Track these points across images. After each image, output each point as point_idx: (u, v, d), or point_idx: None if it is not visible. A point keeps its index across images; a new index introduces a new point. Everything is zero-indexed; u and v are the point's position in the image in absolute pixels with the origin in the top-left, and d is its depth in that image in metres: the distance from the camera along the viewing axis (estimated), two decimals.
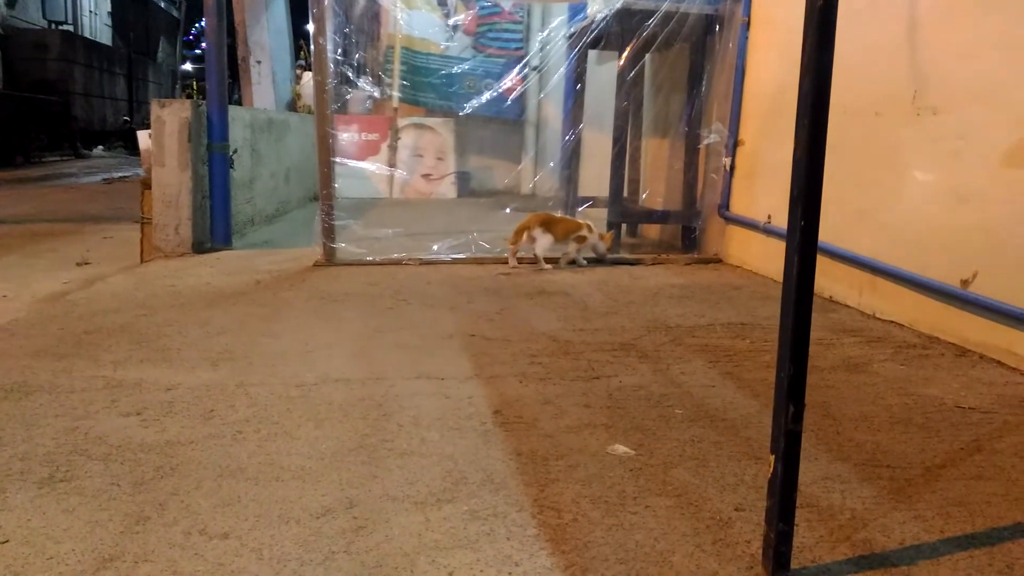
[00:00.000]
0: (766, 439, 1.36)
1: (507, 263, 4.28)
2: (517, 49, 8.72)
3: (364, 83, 7.04)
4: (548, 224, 4.22)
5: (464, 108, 7.00)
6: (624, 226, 5.17)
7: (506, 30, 8.82)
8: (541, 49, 6.61)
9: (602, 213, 4.77)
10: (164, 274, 3.92)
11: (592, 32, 4.64)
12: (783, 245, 1.25)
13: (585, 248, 4.32)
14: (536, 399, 2.15)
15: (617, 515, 1.51)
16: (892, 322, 3.07)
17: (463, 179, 8.49)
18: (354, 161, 7.08)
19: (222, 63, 4.77)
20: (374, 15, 8.51)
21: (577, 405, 2.10)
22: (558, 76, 5.37)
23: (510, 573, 1.31)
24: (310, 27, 4.34)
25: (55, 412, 2.00)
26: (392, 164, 8.23)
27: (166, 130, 4.40)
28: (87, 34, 20.57)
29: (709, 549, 1.39)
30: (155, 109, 4.45)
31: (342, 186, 4.70)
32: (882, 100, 3.16)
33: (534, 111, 8.73)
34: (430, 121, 8.43)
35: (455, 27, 8.67)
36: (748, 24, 4.33)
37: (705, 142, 4.61)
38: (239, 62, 9.15)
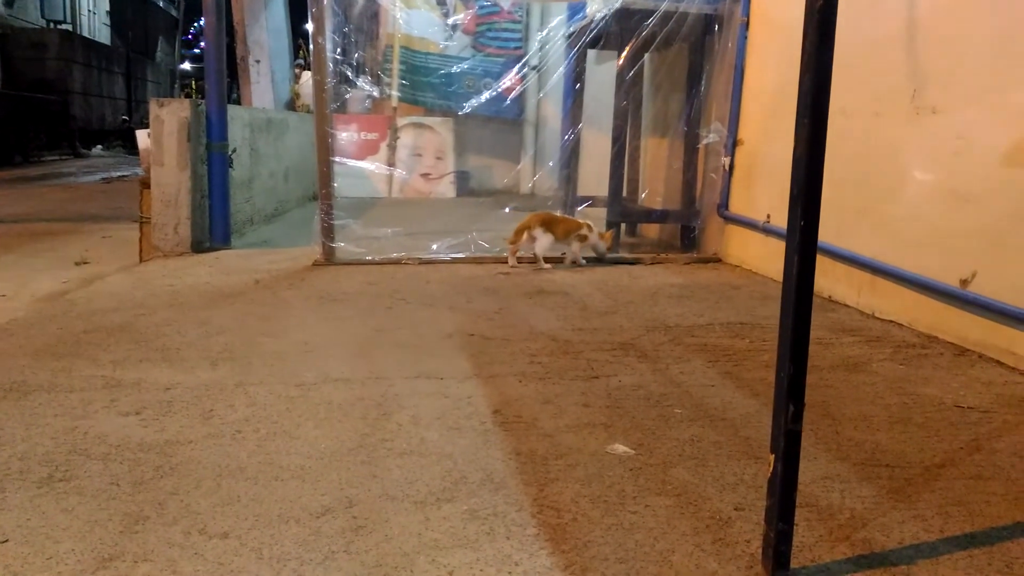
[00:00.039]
0: (766, 438, 1.36)
1: (506, 262, 4.28)
2: (516, 48, 8.71)
3: (363, 82, 7.02)
4: (549, 224, 4.22)
5: (463, 107, 6.97)
6: (623, 225, 5.17)
7: (505, 29, 8.81)
8: (540, 48, 6.59)
9: (601, 212, 4.76)
10: (163, 273, 3.92)
11: (591, 32, 4.63)
12: (782, 244, 1.25)
13: (585, 247, 4.33)
14: (535, 398, 2.15)
15: (617, 514, 1.51)
16: (891, 321, 3.07)
17: (462, 178, 8.48)
18: (353, 160, 7.05)
19: (221, 62, 4.77)
20: (373, 14, 8.50)
21: (576, 404, 2.10)
22: (557, 75, 5.37)
23: (510, 573, 1.31)
24: (309, 26, 4.34)
25: (54, 412, 2.00)
26: (391, 163, 8.22)
27: (165, 129, 4.40)
28: (86, 33, 20.57)
29: (709, 548, 1.39)
30: (154, 108, 4.44)
31: (341, 185, 4.69)
32: (881, 99, 3.17)
33: (533, 110, 8.72)
34: (429, 120, 8.43)
35: (454, 26, 8.65)
36: (747, 24, 4.33)
37: (704, 142, 4.61)
38: (238, 61, 9.14)
